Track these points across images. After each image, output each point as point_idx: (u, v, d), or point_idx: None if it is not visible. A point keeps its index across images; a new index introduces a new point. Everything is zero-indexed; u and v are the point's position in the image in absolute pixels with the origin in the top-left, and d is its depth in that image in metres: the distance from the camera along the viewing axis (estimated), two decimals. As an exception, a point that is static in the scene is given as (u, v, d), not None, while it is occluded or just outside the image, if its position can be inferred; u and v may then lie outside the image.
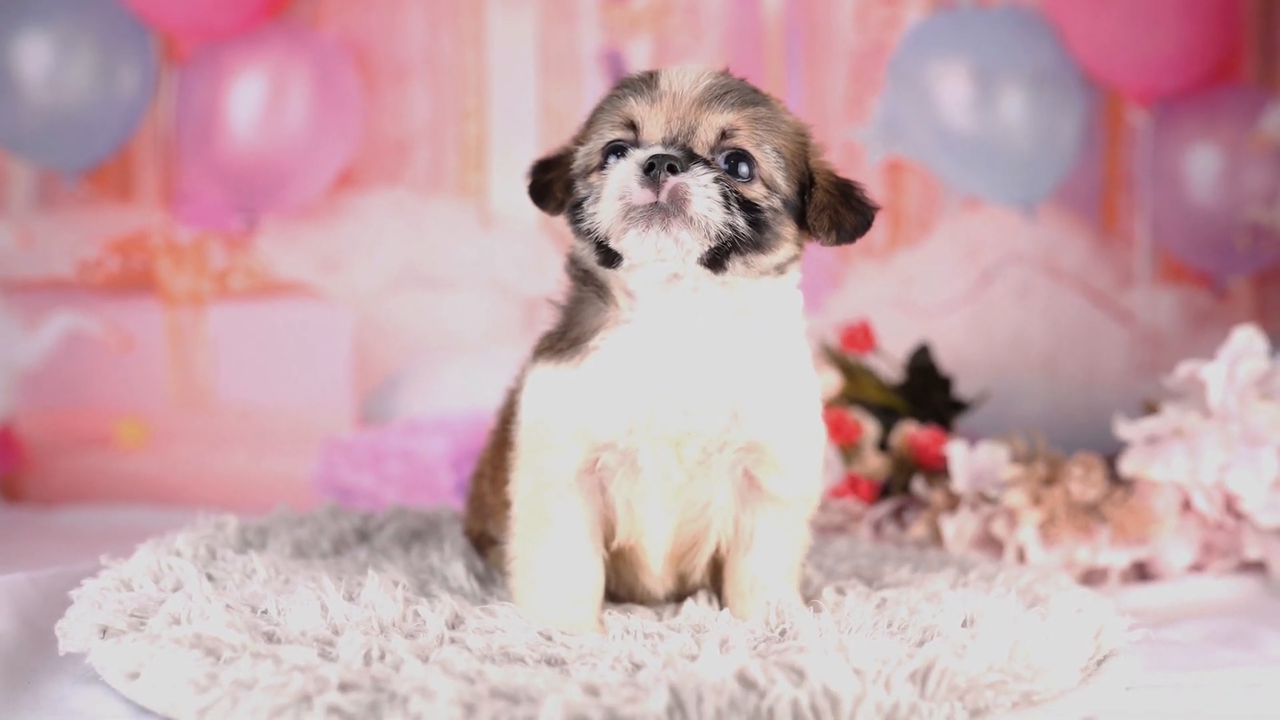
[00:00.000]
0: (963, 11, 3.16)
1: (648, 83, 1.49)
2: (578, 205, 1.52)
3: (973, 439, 2.46)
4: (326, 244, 3.15)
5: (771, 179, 1.50)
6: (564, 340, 1.56)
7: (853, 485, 2.40)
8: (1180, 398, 2.31)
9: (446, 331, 3.15)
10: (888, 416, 2.58)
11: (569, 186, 1.55)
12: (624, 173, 1.43)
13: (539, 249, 3.13)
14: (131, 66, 3.08)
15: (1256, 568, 2.27)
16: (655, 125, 1.47)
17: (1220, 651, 1.72)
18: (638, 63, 3.16)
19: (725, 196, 1.44)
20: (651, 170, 1.41)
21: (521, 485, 1.57)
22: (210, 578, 1.66)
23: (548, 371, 1.55)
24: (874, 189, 3.10)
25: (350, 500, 2.95)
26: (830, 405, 2.52)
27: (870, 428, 2.52)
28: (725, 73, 1.54)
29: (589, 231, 1.48)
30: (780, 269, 1.54)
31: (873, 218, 1.58)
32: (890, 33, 3.15)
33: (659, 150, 1.43)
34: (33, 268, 3.16)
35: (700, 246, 1.44)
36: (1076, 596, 1.65)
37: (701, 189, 1.42)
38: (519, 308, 3.11)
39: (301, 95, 3.08)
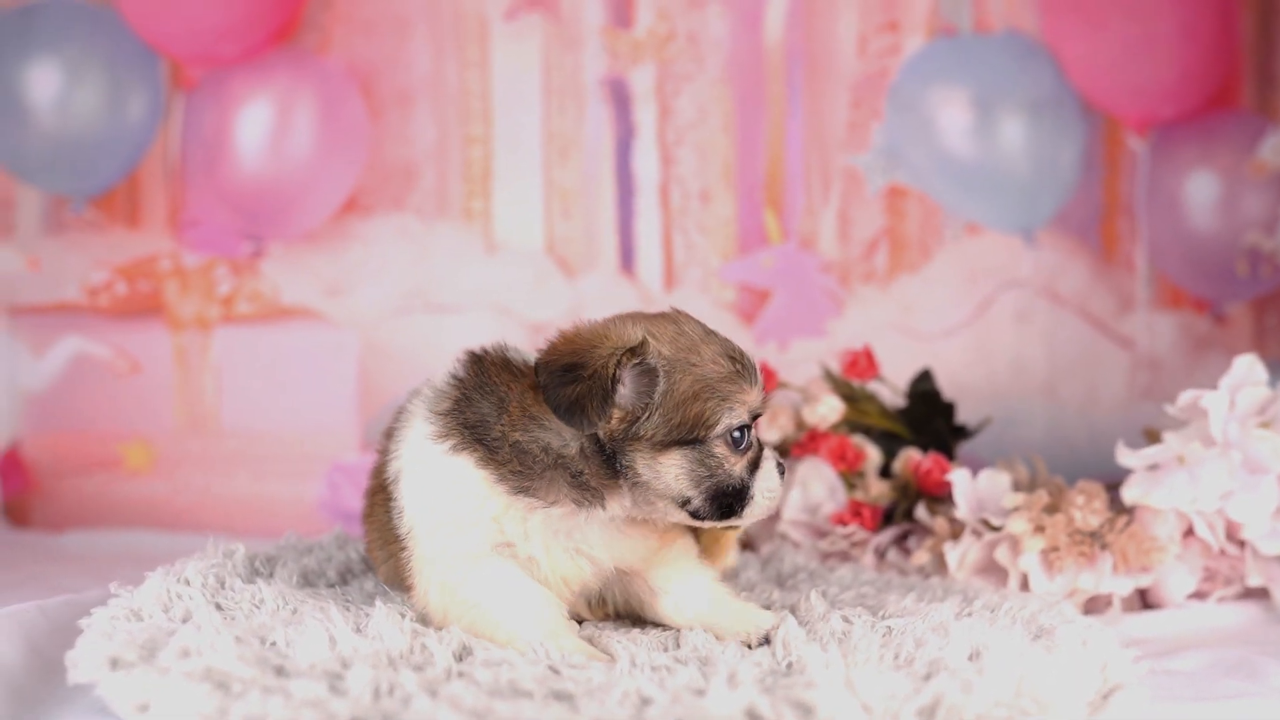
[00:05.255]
0: (963, 39, 3.19)
1: (755, 372, 1.66)
2: (736, 491, 1.62)
3: (973, 464, 2.47)
4: (332, 269, 3.17)
5: None
6: (515, 481, 1.60)
7: (855, 512, 2.40)
8: (1182, 425, 2.32)
9: (451, 356, 3.16)
10: (890, 442, 2.59)
11: (605, 409, 1.55)
12: (775, 477, 1.67)
13: (543, 274, 3.15)
14: (140, 93, 3.11)
15: (1259, 595, 2.28)
16: (762, 417, 1.70)
17: (1225, 682, 1.72)
18: (640, 89, 3.18)
19: None
20: (782, 475, 1.69)
21: (435, 578, 1.64)
22: (219, 607, 1.66)
23: (477, 472, 1.61)
24: (875, 215, 3.17)
25: (355, 524, 2.96)
26: (832, 431, 2.53)
27: (873, 454, 2.53)
28: None
29: (743, 510, 1.63)
30: None
31: None
32: (891, 60, 3.18)
33: (781, 460, 1.69)
34: (41, 292, 3.18)
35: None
36: (1082, 628, 1.65)
37: None
38: (523, 332, 3.12)
39: (307, 121, 3.10)
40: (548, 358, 1.60)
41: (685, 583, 1.73)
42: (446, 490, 1.62)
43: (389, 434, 1.78)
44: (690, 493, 1.59)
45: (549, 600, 1.61)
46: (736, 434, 1.60)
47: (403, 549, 1.67)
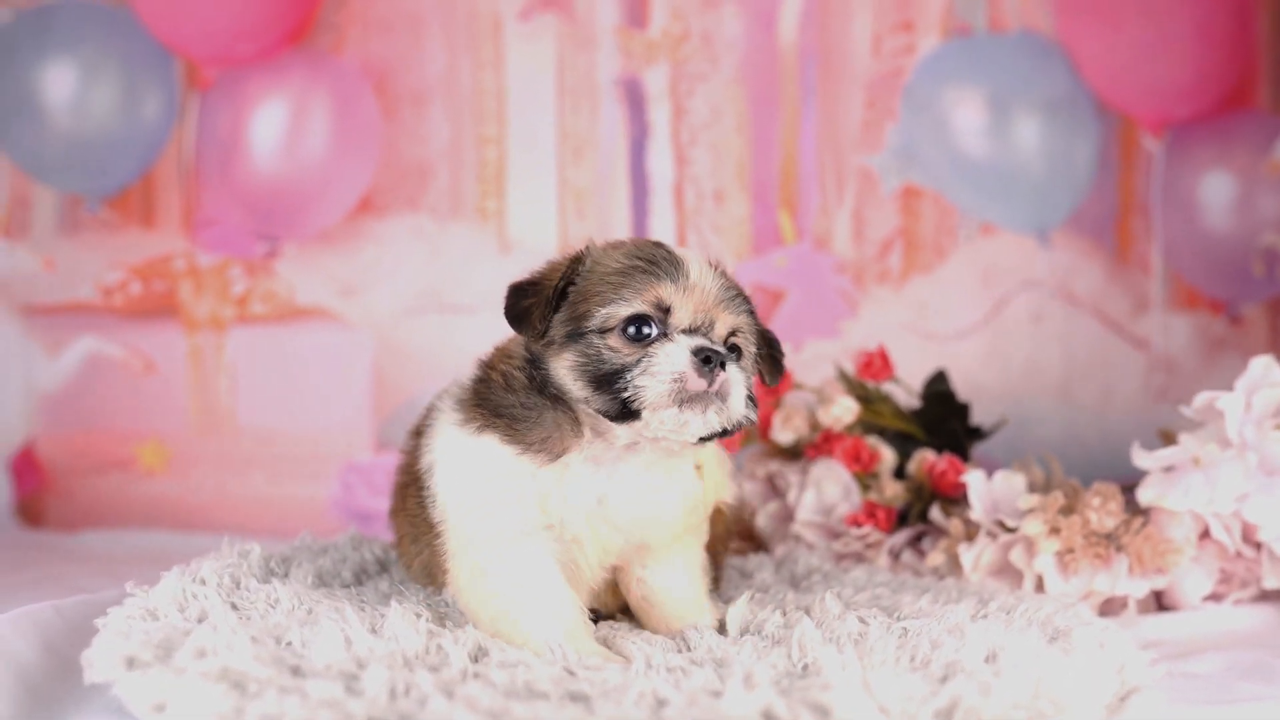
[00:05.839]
0: (978, 39, 3.18)
1: (677, 269, 1.58)
2: (612, 374, 1.54)
3: (988, 465, 2.46)
4: (346, 269, 3.18)
5: (752, 363, 1.67)
6: (531, 437, 1.61)
7: (870, 513, 2.40)
8: (1197, 427, 2.31)
9: (465, 356, 3.14)
10: (905, 443, 2.58)
11: (546, 317, 1.58)
12: (679, 358, 1.53)
13: (556, 274, 3.15)
14: (155, 93, 3.12)
15: (1275, 597, 2.27)
16: (685, 313, 1.57)
17: (1242, 685, 1.71)
18: (655, 90, 3.18)
19: (748, 390, 1.59)
20: (709, 363, 1.52)
21: (467, 561, 1.63)
22: (234, 607, 1.66)
23: (504, 449, 1.61)
24: (889, 216, 3.17)
25: (369, 524, 2.97)
26: (847, 432, 2.53)
27: (887, 455, 2.52)
28: (717, 268, 1.66)
29: (628, 399, 1.52)
30: None
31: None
32: (905, 60, 3.18)
33: (708, 344, 1.54)
34: (56, 292, 3.19)
35: (717, 429, 1.55)
36: (1098, 630, 1.64)
37: (739, 385, 1.56)
38: (536, 332, 3.12)
39: (322, 121, 3.11)
40: (514, 282, 1.66)
41: (671, 560, 1.74)
42: (479, 471, 1.63)
43: (418, 432, 1.80)
44: (578, 385, 1.56)
45: (570, 600, 1.61)
46: (636, 328, 1.54)
47: (438, 536, 1.67)
